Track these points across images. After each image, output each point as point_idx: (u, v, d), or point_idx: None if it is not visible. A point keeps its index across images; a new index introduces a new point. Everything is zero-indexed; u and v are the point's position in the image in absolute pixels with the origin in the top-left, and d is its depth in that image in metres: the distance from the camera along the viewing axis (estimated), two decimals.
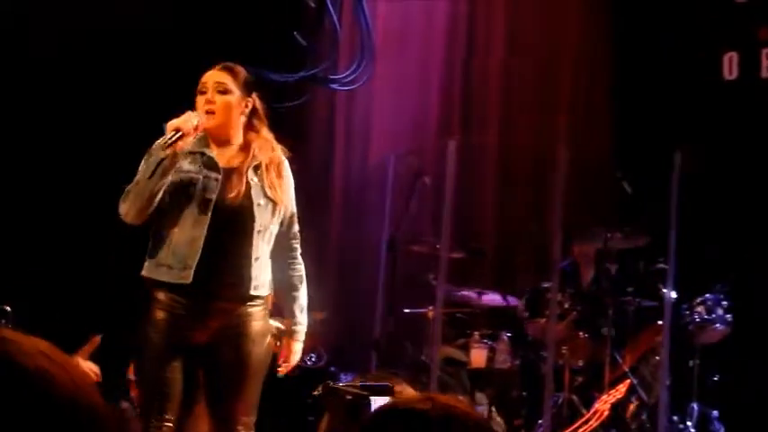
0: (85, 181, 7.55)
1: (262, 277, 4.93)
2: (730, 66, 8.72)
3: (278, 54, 8.70)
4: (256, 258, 4.90)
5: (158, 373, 4.81)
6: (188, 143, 4.89)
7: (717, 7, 8.96)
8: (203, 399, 5.03)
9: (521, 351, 8.27)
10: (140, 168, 4.87)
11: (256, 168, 4.96)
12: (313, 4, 8.76)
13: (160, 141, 4.79)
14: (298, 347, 5.18)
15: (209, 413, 4.97)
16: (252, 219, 4.88)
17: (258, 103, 5.08)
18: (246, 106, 5.01)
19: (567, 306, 8.08)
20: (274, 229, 5.00)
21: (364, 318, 8.84)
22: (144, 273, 4.93)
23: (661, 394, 7.57)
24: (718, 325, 7.91)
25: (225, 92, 4.94)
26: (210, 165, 4.93)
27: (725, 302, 7.95)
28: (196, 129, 4.83)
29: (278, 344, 5.14)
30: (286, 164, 5.10)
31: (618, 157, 9.14)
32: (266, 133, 5.08)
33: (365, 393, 4.33)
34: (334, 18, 9.15)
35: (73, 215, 7.62)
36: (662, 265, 7.88)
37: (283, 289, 5.15)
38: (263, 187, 4.93)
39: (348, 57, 9.49)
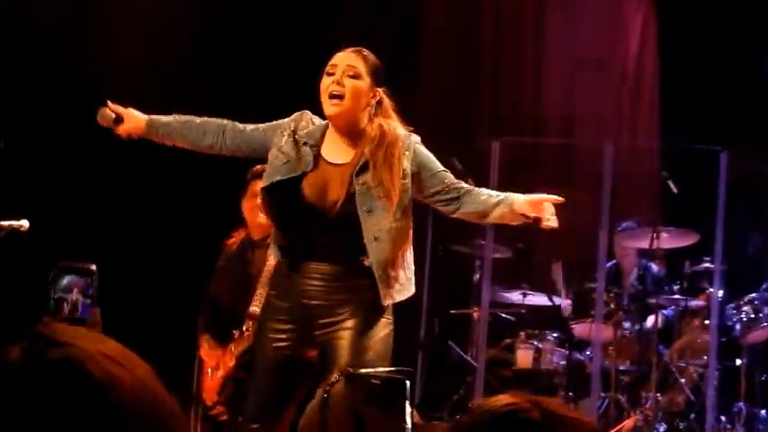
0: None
1: None
2: None
3: (313, 51, 8.72)
4: None
5: None
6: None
7: (761, 6, 8.91)
8: None
9: (567, 351, 8.25)
10: None
11: (364, 168, 4.62)
12: None
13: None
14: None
15: None
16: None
17: (386, 98, 4.72)
18: (374, 97, 4.66)
19: (612, 306, 8.06)
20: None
21: (409, 319, 8.84)
22: None
23: (708, 394, 7.53)
24: (765, 324, 7.86)
25: (355, 76, 4.59)
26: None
27: None
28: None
29: None
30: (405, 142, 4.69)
31: (664, 157, 9.10)
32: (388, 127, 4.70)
33: (398, 377, 4.29)
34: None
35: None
36: (708, 265, 7.85)
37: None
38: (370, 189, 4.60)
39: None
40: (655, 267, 8.40)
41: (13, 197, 5.74)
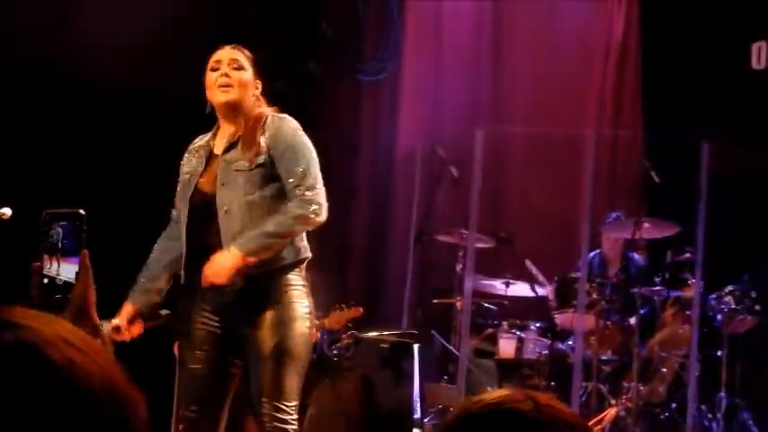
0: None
1: None
2: (759, 55, 8.67)
3: (305, 43, 8.71)
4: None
5: None
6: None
7: None
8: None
9: (549, 341, 8.27)
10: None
11: (232, 146, 4.85)
12: None
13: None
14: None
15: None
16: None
17: (260, 88, 4.99)
18: (257, 87, 4.94)
19: (594, 296, 8.08)
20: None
21: (392, 308, 8.86)
22: None
23: (689, 384, 7.56)
24: (746, 315, 7.89)
25: (240, 68, 4.87)
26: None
27: (753, 292, 7.93)
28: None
29: None
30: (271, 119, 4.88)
31: (646, 147, 9.13)
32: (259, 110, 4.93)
33: (407, 340, 4.33)
34: (361, 8, 9.17)
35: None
36: (690, 256, 7.87)
37: None
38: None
39: (374, 47, 9.50)
40: (637, 258, 8.43)
41: None
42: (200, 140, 5.00)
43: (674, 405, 7.89)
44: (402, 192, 9.21)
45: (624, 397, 7.82)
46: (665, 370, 7.99)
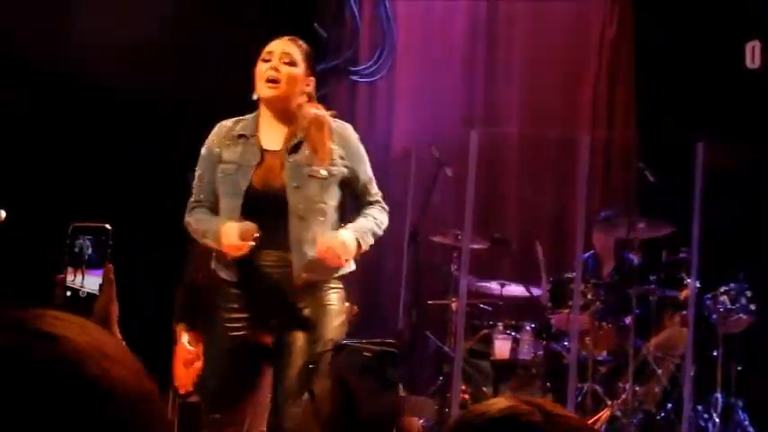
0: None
1: None
2: (753, 55, 8.67)
3: None
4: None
5: None
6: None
7: None
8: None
9: (544, 342, 8.25)
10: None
11: (296, 148, 4.71)
12: None
13: (215, 237, 4.66)
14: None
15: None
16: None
17: (313, 86, 4.87)
18: (308, 85, 4.80)
19: (589, 296, 8.07)
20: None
21: (387, 309, 8.85)
22: None
23: (685, 384, 7.55)
24: (741, 314, 7.88)
25: (291, 63, 4.72)
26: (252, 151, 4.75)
27: (748, 292, 7.92)
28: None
29: None
30: (333, 125, 4.81)
31: (641, 147, 9.12)
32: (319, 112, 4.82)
33: (390, 349, 4.30)
34: (355, 9, 9.16)
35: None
36: (685, 255, 7.86)
37: None
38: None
39: (369, 48, 9.50)
40: (632, 257, 8.42)
41: None
42: (237, 126, 4.82)
43: (669, 405, 7.88)
44: (397, 192, 9.19)
45: (620, 398, 7.81)
46: (660, 371, 7.98)
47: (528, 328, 8.29)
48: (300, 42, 4.83)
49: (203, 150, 4.88)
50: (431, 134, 9.06)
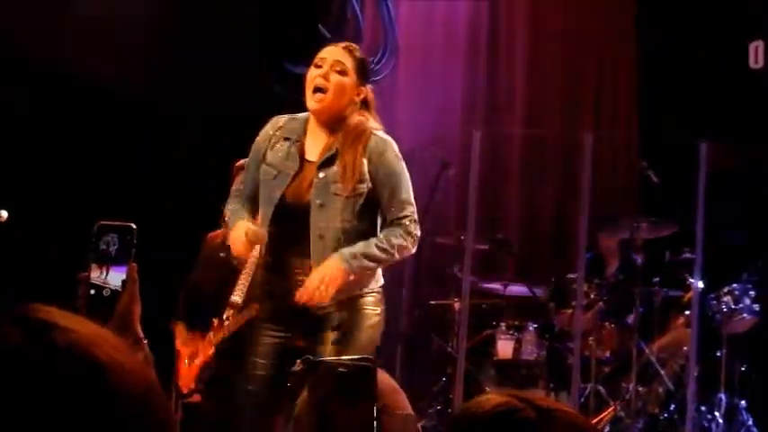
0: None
1: None
2: (756, 55, 8.66)
3: (301, 46, 8.68)
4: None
5: None
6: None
7: None
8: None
9: (547, 342, 8.24)
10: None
11: (329, 161, 4.64)
12: None
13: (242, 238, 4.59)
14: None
15: None
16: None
17: (370, 96, 4.79)
18: (359, 95, 4.71)
19: (592, 296, 8.06)
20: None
21: (390, 310, 8.82)
22: None
23: (689, 384, 7.53)
24: (745, 315, 7.86)
25: (342, 72, 4.64)
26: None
27: (752, 292, 7.91)
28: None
29: None
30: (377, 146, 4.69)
31: (644, 147, 9.12)
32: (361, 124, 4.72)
33: (366, 364, 4.25)
34: (357, 10, 9.15)
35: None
36: (688, 255, 7.84)
37: None
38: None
39: (371, 49, 9.48)
40: (635, 257, 8.40)
41: None
42: (288, 125, 4.76)
43: (673, 406, 7.87)
44: None
45: (623, 398, 7.80)
46: (663, 371, 7.97)
47: (531, 328, 8.28)
48: (355, 51, 4.76)
49: (255, 142, 4.85)
50: (432, 134, 9.06)
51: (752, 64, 8.68)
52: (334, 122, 4.67)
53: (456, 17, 9.83)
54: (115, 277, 1.95)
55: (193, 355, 6.04)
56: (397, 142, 9.69)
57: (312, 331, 4.68)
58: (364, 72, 4.75)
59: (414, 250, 4.73)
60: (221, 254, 6.09)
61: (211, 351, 5.93)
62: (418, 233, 4.73)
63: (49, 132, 7.63)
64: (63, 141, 7.63)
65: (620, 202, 8.98)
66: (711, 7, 9.04)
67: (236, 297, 5.81)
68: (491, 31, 9.85)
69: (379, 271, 4.76)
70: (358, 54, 4.74)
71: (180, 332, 6.14)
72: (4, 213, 4.84)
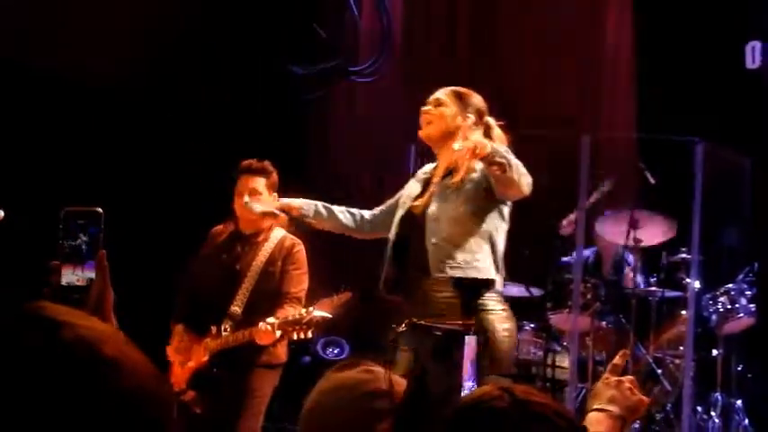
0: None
1: None
2: (753, 55, 8.67)
3: (298, 46, 8.70)
4: None
5: None
6: None
7: None
8: None
9: (544, 342, 8.25)
10: None
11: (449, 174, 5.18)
12: None
13: None
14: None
15: None
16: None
17: (492, 125, 5.35)
18: (465, 119, 5.24)
19: (589, 297, 8.07)
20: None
21: (387, 309, 8.83)
22: None
23: (685, 384, 7.55)
24: (741, 315, 7.88)
25: (440, 105, 5.28)
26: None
27: (748, 292, 7.92)
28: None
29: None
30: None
31: (641, 148, 9.12)
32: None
33: (458, 329, 4.39)
34: (354, 9, 9.16)
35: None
36: (685, 256, 7.86)
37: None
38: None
39: (368, 49, 9.49)
40: (631, 258, 8.42)
41: None
42: (426, 168, 5.42)
43: (669, 406, 7.88)
44: (395, 191, 9.19)
45: None
46: (660, 371, 7.98)
47: (527, 327, 8.29)
48: (459, 91, 5.40)
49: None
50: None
51: (748, 64, 8.69)
52: (442, 148, 5.35)
53: (456, 17, 9.84)
54: (87, 265, 1.94)
55: (186, 360, 6.01)
56: (395, 141, 9.71)
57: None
58: (462, 100, 5.40)
59: (527, 192, 5.18)
60: (223, 255, 6.08)
61: (205, 358, 5.91)
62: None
63: (49, 132, 7.64)
64: (63, 141, 7.64)
65: (617, 204, 8.98)
66: (708, 8, 9.05)
67: (236, 308, 5.82)
68: (491, 32, 9.86)
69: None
70: (450, 88, 5.44)
71: (176, 335, 6.09)
72: (1, 213, 4.83)
